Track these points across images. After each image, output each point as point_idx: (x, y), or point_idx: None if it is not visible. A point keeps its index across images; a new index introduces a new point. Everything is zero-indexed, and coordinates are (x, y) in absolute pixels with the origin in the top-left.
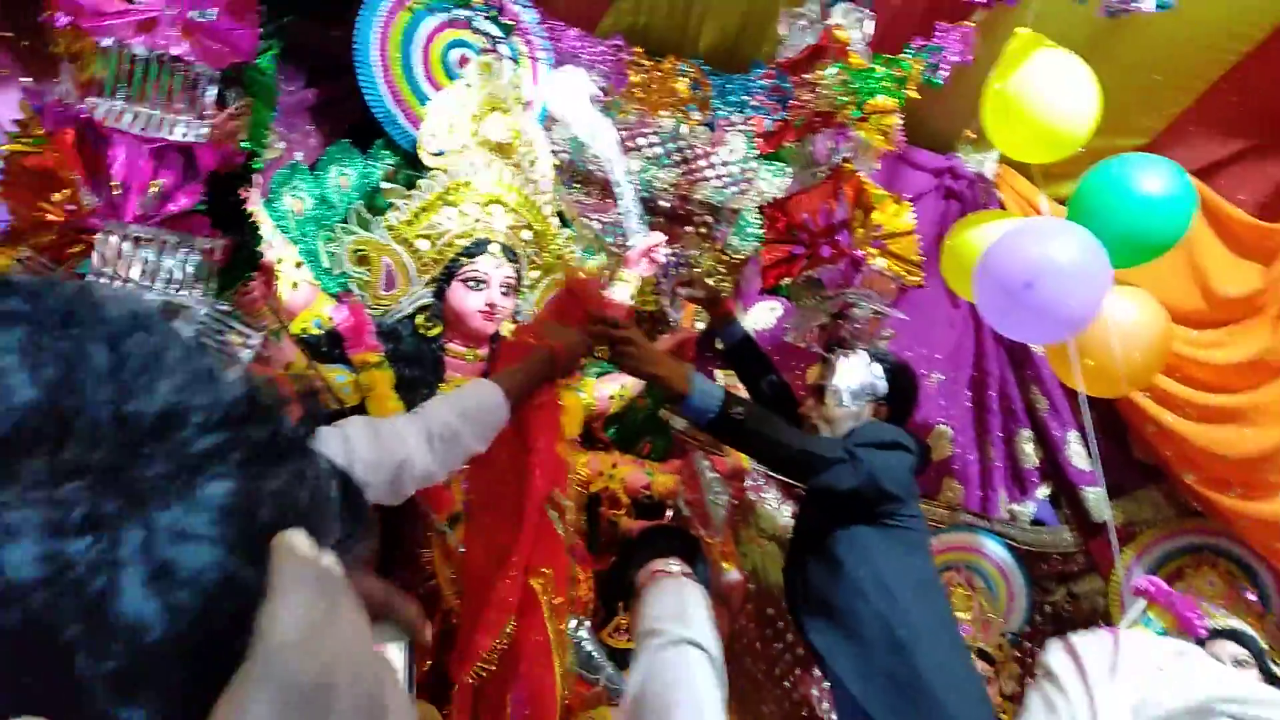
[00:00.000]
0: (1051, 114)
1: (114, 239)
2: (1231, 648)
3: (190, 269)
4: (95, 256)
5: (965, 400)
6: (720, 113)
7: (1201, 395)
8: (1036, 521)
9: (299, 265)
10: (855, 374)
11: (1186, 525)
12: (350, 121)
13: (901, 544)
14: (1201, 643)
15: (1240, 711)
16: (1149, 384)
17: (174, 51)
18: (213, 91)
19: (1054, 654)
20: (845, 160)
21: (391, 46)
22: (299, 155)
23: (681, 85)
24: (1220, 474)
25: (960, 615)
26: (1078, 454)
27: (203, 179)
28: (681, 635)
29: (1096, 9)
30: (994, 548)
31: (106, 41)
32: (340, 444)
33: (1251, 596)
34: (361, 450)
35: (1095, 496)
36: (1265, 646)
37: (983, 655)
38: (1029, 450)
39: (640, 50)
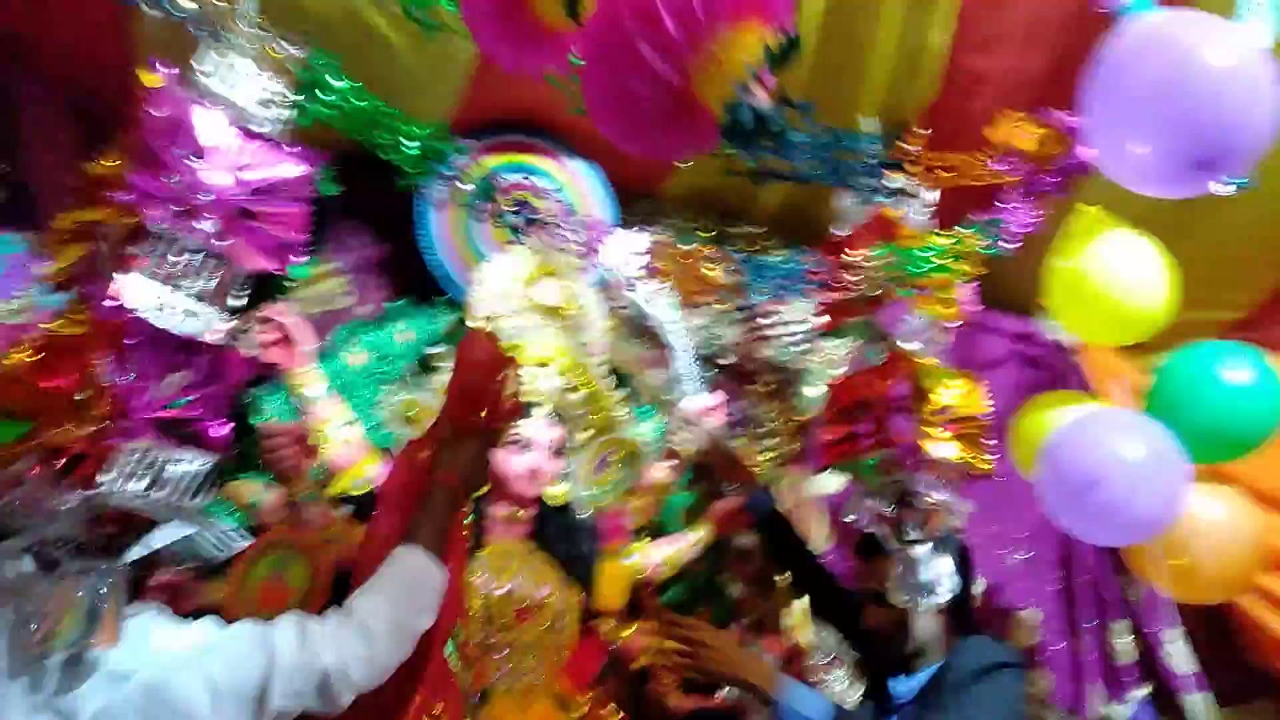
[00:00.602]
0: (1123, 298)
1: (126, 456)
2: None
3: (193, 478)
4: (112, 469)
5: (1053, 582)
6: (759, 297)
7: None
8: None
9: (350, 424)
10: (917, 570)
11: None
12: (415, 279)
13: None
14: None
15: None
16: (1247, 587)
17: (215, 246)
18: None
19: None
20: (903, 343)
21: (455, 210)
22: (365, 309)
23: (712, 272)
24: None
25: None
26: (1178, 653)
27: (229, 390)
28: None
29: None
30: None
31: (156, 226)
32: (261, 647)
33: None
34: (284, 655)
35: (1201, 703)
36: None
37: None
38: (1125, 644)
39: (665, 238)
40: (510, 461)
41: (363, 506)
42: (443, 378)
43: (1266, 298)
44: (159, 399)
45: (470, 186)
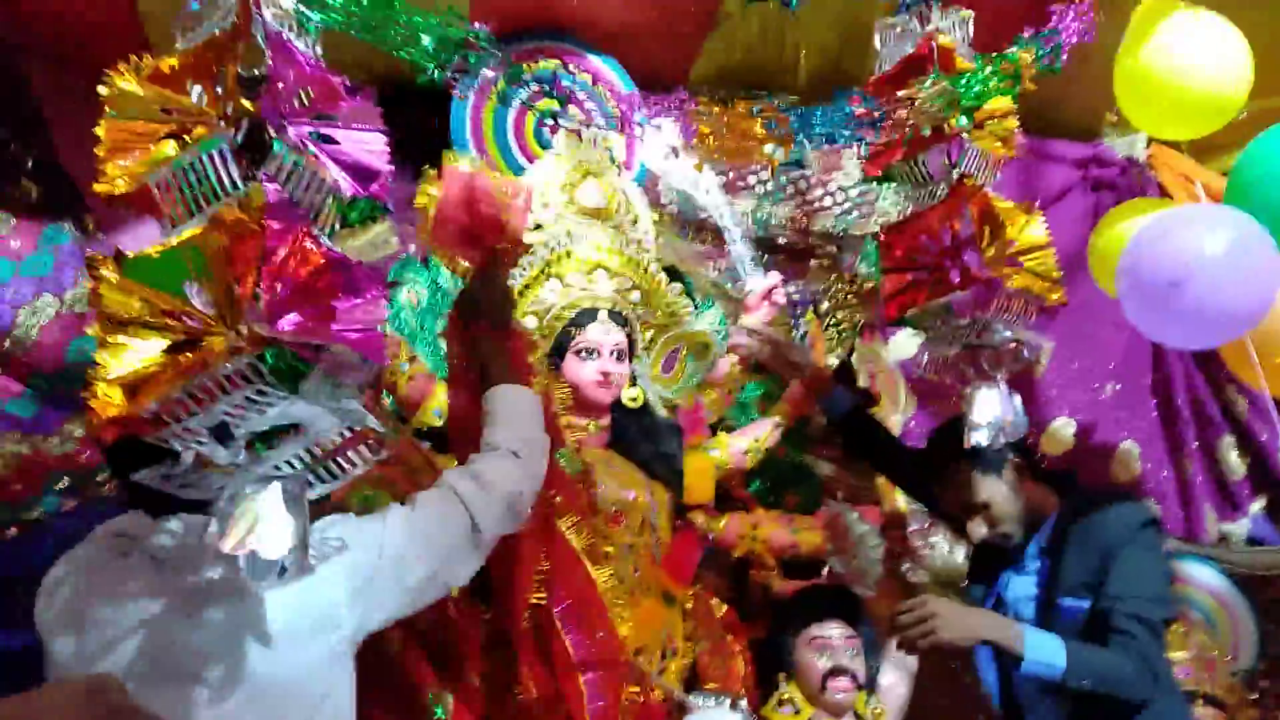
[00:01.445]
0: (1194, 81)
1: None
2: None
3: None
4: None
5: (1150, 410)
6: (808, 147)
7: None
8: (1253, 540)
9: (412, 360)
10: (991, 408)
11: None
12: None
13: None
14: None
15: None
16: None
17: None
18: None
19: None
20: (964, 176)
21: (486, 129)
22: (411, 247)
23: (755, 126)
24: None
25: (1176, 656)
26: None
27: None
28: None
29: None
30: (1207, 575)
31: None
32: (453, 504)
33: None
34: (473, 500)
35: None
36: None
37: (1211, 701)
38: (1234, 459)
39: (704, 99)
40: (579, 370)
41: (442, 438)
42: None
43: None
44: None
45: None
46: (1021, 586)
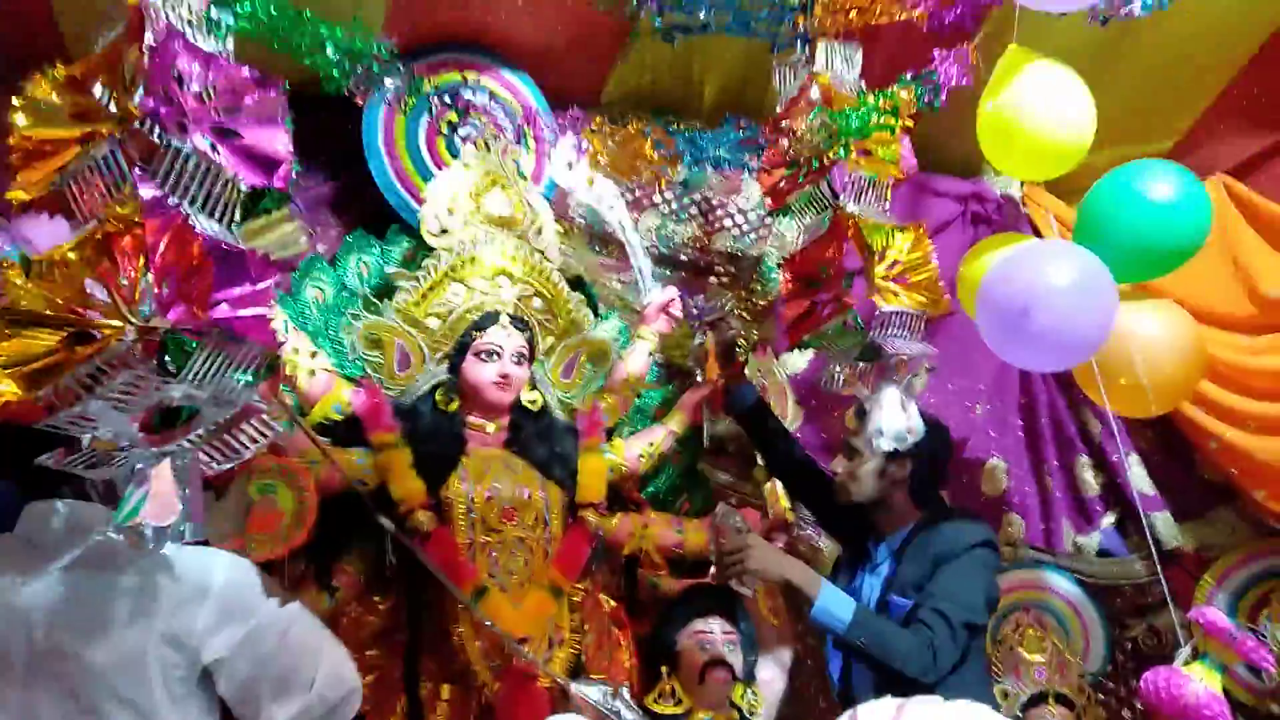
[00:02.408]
0: (1044, 129)
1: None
2: None
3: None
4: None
5: (1016, 429)
6: (694, 171)
7: (1261, 405)
8: (1103, 553)
9: (314, 355)
10: (896, 415)
11: (1267, 546)
12: (369, 211)
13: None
14: None
15: None
16: (1195, 397)
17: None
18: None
19: None
20: (838, 206)
21: (398, 135)
22: (321, 248)
23: (645, 146)
24: None
25: (1033, 658)
26: (1140, 477)
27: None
28: None
29: (1085, 20)
30: (1062, 584)
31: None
32: None
33: None
34: None
35: (1163, 521)
36: None
37: (1061, 700)
38: (1089, 477)
39: (599, 118)
40: (479, 371)
41: (340, 434)
42: (402, 298)
43: (1194, 124)
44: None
45: (397, 85)
46: (870, 585)
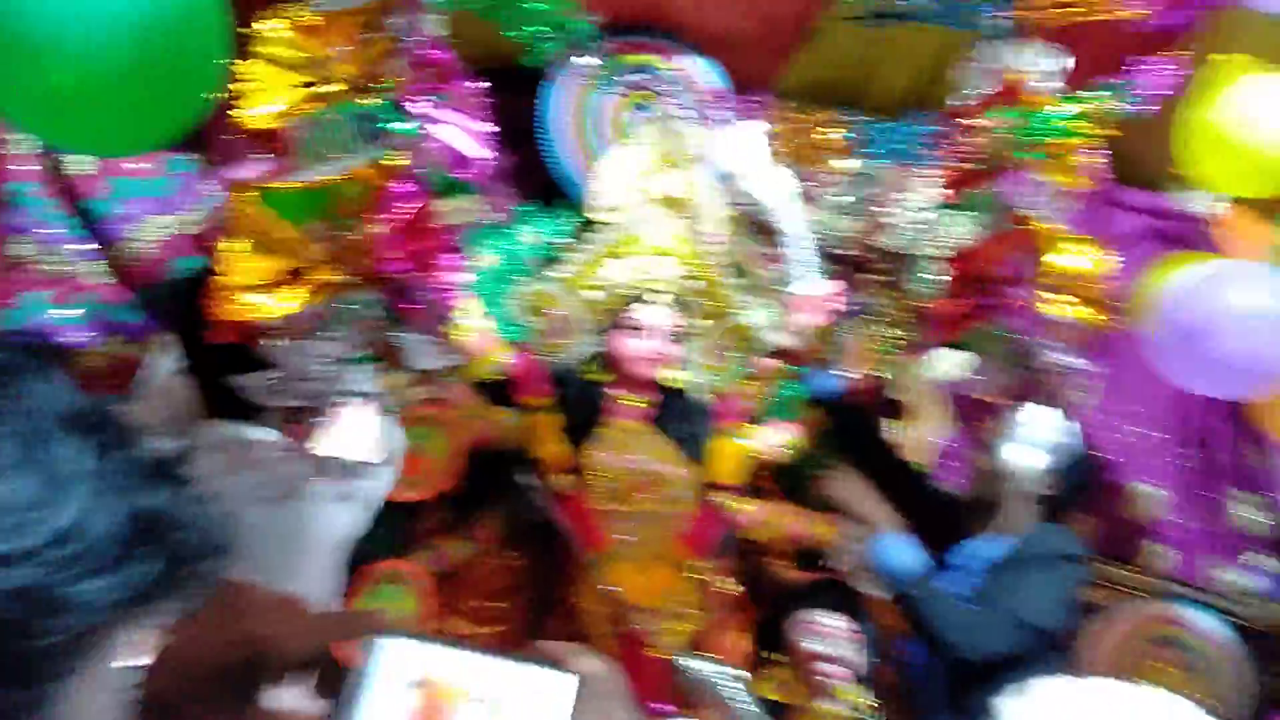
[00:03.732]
0: (1260, 138)
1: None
2: None
3: None
4: None
5: (1177, 457)
6: (867, 164)
7: None
8: (1263, 595)
9: (483, 315)
10: (1038, 428)
11: None
12: (541, 184)
13: None
14: None
15: None
16: None
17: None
18: None
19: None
20: (1022, 209)
21: (577, 112)
22: (496, 216)
23: (825, 134)
24: None
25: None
26: None
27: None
28: None
29: None
30: (1209, 623)
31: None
32: None
33: None
34: None
35: None
36: None
37: None
38: (1255, 514)
39: (784, 103)
40: (631, 345)
41: (495, 390)
42: (566, 269)
43: None
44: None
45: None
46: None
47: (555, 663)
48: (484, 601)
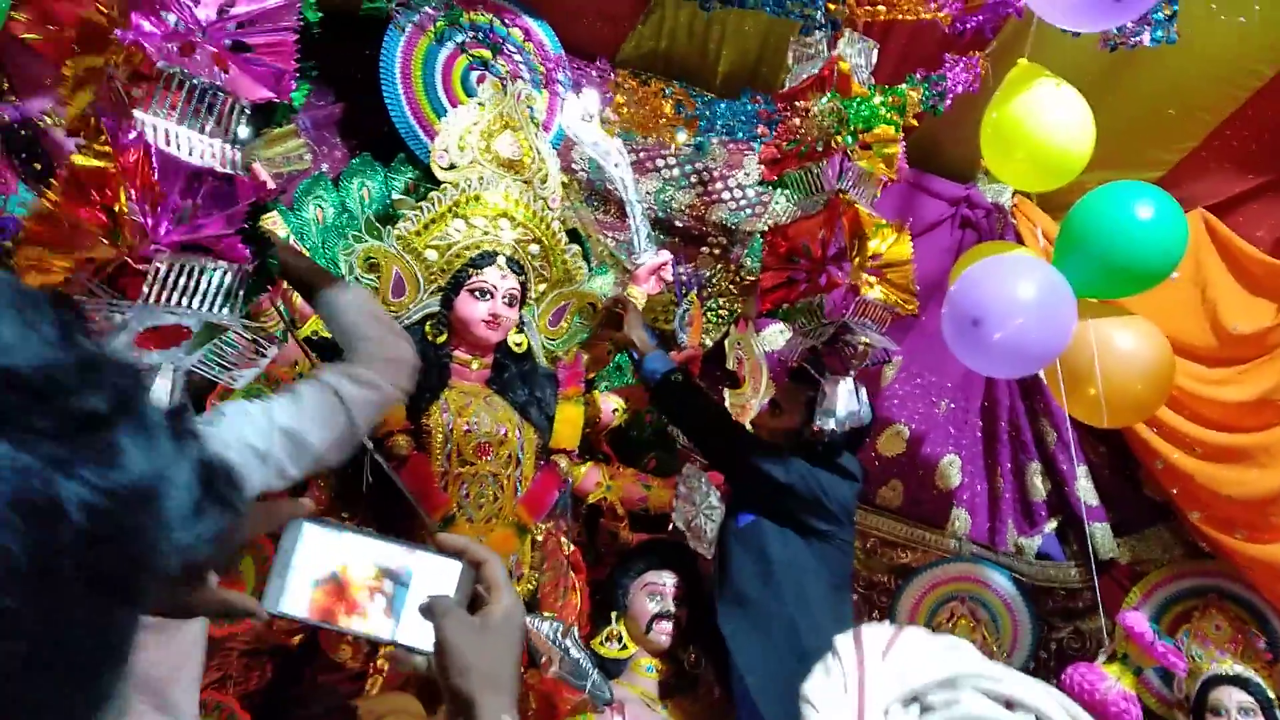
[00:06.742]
0: (1045, 141)
1: (160, 265)
2: (1237, 695)
3: (223, 288)
4: (147, 283)
5: (975, 429)
6: (709, 135)
7: (1209, 433)
8: (1042, 555)
9: None
10: (845, 400)
11: (1195, 566)
12: (375, 136)
13: (827, 563)
14: (1204, 686)
15: (988, 686)
16: (1153, 416)
17: (213, 81)
18: (245, 125)
19: (841, 638)
20: (841, 191)
21: (415, 65)
22: (325, 167)
23: (666, 106)
24: (1226, 514)
25: None
26: (1086, 489)
27: (242, 207)
28: None
29: (1097, 43)
30: (1000, 580)
31: (160, 63)
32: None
33: (1261, 643)
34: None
35: (1102, 532)
36: (1273, 696)
37: None
38: (1038, 483)
39: (625, 72)
40: (471, 308)
41: (327, 348)
42: (404, 226)
43: (1184, 158)
44: (181, 224)
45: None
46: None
47: (452, 551)
48: None
